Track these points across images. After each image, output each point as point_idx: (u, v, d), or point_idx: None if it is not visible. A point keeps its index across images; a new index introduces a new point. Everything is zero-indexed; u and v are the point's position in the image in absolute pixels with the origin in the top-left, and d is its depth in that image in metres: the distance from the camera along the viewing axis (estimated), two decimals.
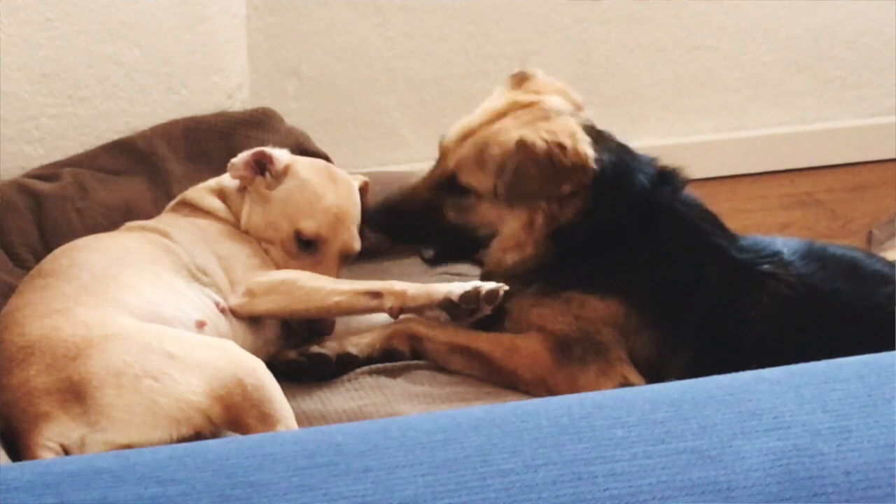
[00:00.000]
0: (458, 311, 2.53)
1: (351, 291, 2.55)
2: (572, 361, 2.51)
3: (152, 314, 2.33)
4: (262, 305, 2.54)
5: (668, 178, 2.65)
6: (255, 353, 2.40)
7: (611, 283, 2.54)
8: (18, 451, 2.13)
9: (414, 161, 3.96)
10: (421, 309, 2.58)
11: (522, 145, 2.53)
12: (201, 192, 2.79)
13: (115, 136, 3.21)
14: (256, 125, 3.32)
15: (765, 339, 2.46)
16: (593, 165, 2.52)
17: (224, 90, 3.34)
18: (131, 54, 3.21)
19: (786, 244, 2.60)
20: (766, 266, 2.54)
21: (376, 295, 2.54)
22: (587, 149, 2.54)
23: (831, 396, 1.32)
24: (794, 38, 4.29)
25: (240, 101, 3.37)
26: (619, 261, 2.56)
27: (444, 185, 2.65)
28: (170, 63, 3.26)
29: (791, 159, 4.32)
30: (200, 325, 2.41)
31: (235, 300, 2.54)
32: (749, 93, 4.32)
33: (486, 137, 2.61)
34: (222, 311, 2.51)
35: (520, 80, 2.73)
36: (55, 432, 2.10)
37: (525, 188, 2.54)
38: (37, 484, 1.19)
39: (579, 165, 2.52)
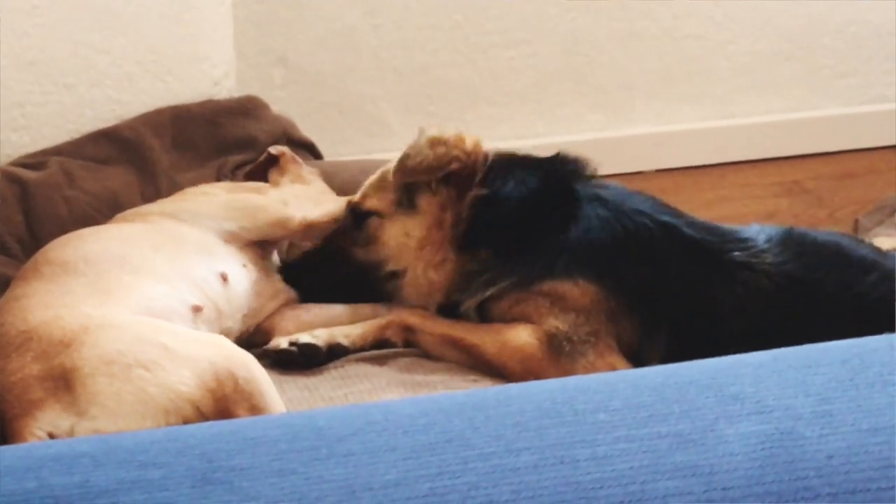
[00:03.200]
0: None
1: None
2: (562, 356, 2.50)
3: (148, 310, 2.35)
4: (322, 210, 2.76)
5: (572, 171, 2.66)
6: (255, 311, 2.63)
7: (572, 267, 2.53)
8: (7, 437, 2.13)
9: (400, 149, 3.96)
10: None
11: (419, 133, 2.65)
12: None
13: (102, 124, 3.20)
14: (243, 114, 3.33)
15: (741, 333, 2.41)
16: (482, 148, 2.63)
17: (210, 78, 3.34)
18: (117, 42, 3.21)
19: (761, 231, 2.56)
20: (737, 254, 2.50)
21: None
22: (477, 141, 2.65)
23: (814, 380, 1.32)
24: (782, 27, 4.29)
25: (226, 89, 3.37)
26: (562, 247, 2.55)
27: (350, 223, 2.72)
28: (156, 51, 3.26)
29: (778, 147, 4.32)
30: (196, 310, 2.43)
31: (299, 214, 2.73)
32: (737, 81, 4.32)
33: (388, 167, 2.72)
34: (224, 279, 2.55)
35: None
36: (45, 421, 2.10)
37: (413, 161, 2.61)
38: (17, 468, 1.18)
39: (467, 145, 2.62)
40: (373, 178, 2.74)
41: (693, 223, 2.58)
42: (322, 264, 2.75)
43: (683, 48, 4.24)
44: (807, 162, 4.27)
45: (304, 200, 2.79)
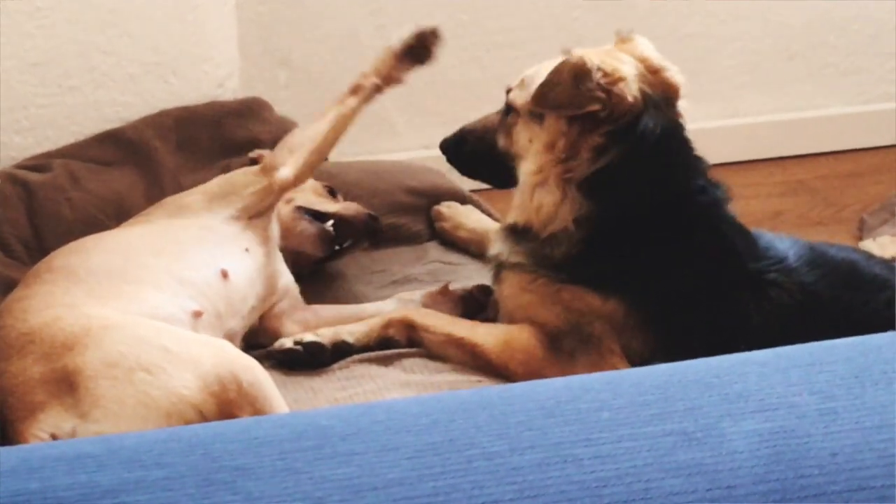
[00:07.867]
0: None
1: (337, 102, 2.83)
2: (563, 355, 2.51)
3: (150, 317, 2.34)
4: (298, 161, 2.74)
5: (715, 187, 2.63)
6: (262, 299, 2.64)
7: (621, 285, 2.51)
8: (9, 439, 2.13)
9: (405, 150, 3.95)
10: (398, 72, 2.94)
11: (566, 57, 2.55)
12: None
13: (105, 126, 3.21)
14: (247, 115, 3.33)
15: (762, 347, 2.41)
16: (628, 98, 2.49)
17: (214, 79, 3.34)
18: (121, 43, 3.21)
19: (792, 247, 2.58)
20: (772, 274, 2.51)
21: (356, 88, 2.86)
22: (629, 84, 2.51)
23: (818, 378, 1.32)
24: (786, 25, 4.29)
25: (230, 90, 3.37)
26: (640, 263, 2.52)
27: (503, 112, 2.70)
28: (160, 52, 3.25)
29: (784, 146, 4.31)
30: (197, 315, 2.43)
31: (279, 176, 2.71)
32: (741, 80, 4.31)
33: (547, 64, 2.64)
34: (225, 275, 2.54)
35: (621, 40, 2.70)
36: (47, 423, 2.11)
37: (553, 92, 2.53)
38: (21, 469, 1.18)
39: (613, 91, 2.49)
40: (531, 70, 2.67)
41: (757, 255, 2.55)
42: (475, 141, 2.76)
43: (687, 47, 4.23)
44: (812, 161, 4.27)
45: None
